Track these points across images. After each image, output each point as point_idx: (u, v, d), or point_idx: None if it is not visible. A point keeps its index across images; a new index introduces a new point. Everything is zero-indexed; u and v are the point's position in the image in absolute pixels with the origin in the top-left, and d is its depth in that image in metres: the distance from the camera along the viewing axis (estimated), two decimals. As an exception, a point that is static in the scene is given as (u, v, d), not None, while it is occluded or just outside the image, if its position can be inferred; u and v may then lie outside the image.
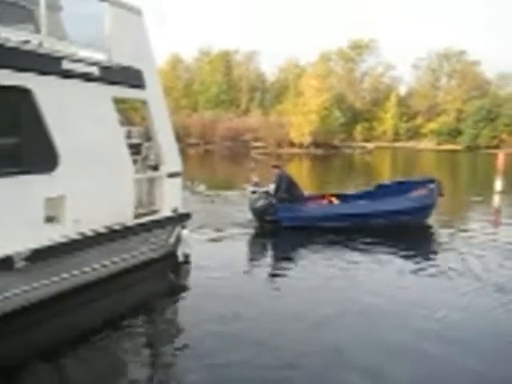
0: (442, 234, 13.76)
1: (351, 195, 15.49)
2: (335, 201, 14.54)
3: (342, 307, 7.86)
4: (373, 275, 9.71)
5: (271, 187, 13.99)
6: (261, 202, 13.46)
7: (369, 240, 12.22)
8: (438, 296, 8.54)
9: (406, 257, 11.05)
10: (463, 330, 7.05)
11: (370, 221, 13.67)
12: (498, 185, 21.58)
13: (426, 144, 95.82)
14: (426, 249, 12.39)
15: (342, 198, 14.98)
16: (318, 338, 6.75)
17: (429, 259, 11.15)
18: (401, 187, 15.10)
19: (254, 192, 13.72)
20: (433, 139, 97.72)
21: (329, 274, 9.60)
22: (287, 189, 13.75)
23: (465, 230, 14.42)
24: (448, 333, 6.93)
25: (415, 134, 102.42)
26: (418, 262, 10.69)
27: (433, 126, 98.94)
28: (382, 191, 15.07)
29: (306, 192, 15.57)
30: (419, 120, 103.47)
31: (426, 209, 14.39)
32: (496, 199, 19.99)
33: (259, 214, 13.56)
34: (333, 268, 10.07)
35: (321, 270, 9.96)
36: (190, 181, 14.48)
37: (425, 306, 7.89)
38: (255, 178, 14.17)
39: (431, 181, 15.21)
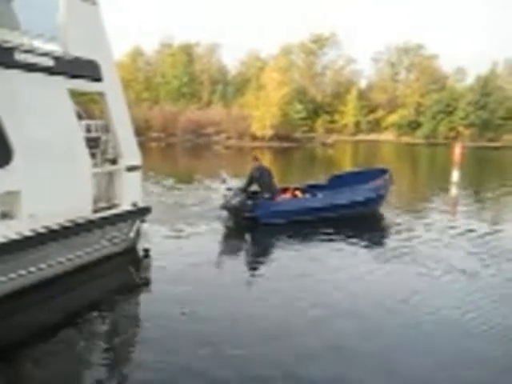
0: (404, 224, 14.13)
1: (311, 187, 15.54)
2: (299, 194, 14.55)
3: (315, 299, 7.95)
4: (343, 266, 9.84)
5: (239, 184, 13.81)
6: (237, 199, 13.02)
7: (334, 231, 12.59)
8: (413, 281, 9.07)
9: (372, 245, 11.42)
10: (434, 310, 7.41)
11: (339, 212, 13.95)
12: (455, 176, 22.08)
13: (387, 136, 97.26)
14: (392, 238, 12.61)
15: (303, 190, 15.06)
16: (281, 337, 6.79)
17: (396, 248, 11.43)
18: (355, 178, 15.65)
19: (229, 189, 13.36)
20: (393, 132, 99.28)
21: (296, 269, 9.66)
22: (269, 182, 13.66)
23: (424, 219, 14.91)
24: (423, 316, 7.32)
25: (376, 126, 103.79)
26: (388, 250, 11.23)
27: (393, 118, 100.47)
28: (337, 182, 15.53)
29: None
30: (379, 113, 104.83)
31: (382, 198, 15.04)
32: (453, 190, 20.45)
33: (236, 211, 13.17)
34: (301, 261, 10.26)
35: (285, 265, 10.03)
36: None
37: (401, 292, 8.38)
38: (224, 175, 13.86)
39: (383, 171, 15.77)
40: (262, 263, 10.42)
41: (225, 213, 13.53)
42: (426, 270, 9.54)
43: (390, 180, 15.23)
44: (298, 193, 14.63)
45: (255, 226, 13.02)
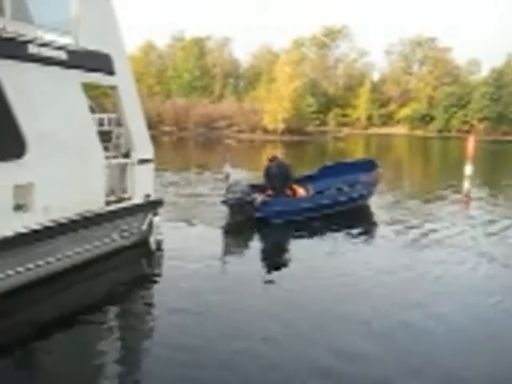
0: (420, 216, 14.25)
1: (302, 178, 15.37)
2: (298, 189, 14.05)
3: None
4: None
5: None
6: (244, 196, 12.29)
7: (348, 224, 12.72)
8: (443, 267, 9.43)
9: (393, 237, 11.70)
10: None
11: (343, 206, 13.96)
12: (468, 169, 21.89)
13: (399, 130, 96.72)
14: (409, 231, 12.61)
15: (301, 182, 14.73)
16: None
17: (423, 236, 11.84)
18: (344, 168, 15.91)
19: (229, 188, 12.52)
20: (406, 125, 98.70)
21: (310, 263, 9.67)
22: (291, 178, 13.54)
23: (438, 211, 14.91)
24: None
25: (388, 119, 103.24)
26: (415, 240, 11.57)
27: (405, 111, 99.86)
28: (327, 173, 15.65)
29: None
30: (392, 106, 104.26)
31: (375, 191, 15.44)
32: (466, 183, 20.29)
33: (243, 209, 12.33)
34: (314, 255, 10.33)
35: (298, 260, 10.06)
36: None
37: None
38: (228, 169, 13.04)
39: (372, 162, 15.96)
40: (276, 259, 10.45)
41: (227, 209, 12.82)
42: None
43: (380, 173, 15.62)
44: (295, 187, 14.06)
45: (262, 224, 12.49)
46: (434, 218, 14.14)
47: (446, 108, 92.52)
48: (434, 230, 12.38)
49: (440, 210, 15.47)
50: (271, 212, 12.57)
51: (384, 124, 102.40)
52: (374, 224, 13.68)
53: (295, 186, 14.14)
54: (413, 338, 6.44)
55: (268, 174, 13.38)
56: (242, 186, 12.68)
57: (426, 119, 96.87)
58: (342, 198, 14.01)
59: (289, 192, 13.62)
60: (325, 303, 7.57)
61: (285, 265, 9.90)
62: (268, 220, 12.49)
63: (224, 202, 12.42)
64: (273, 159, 13.65)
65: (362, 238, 11.82)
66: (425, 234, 11.96)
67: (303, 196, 13.83)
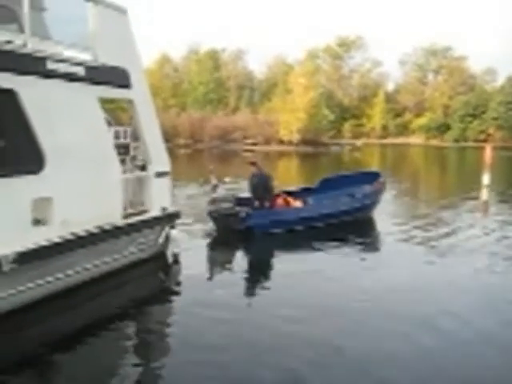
0: (441, 226, 14.14)
1: (302, 190, 15.22)
2: (291, 200, 13.81)
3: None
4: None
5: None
6: (227, 208, 12.22)
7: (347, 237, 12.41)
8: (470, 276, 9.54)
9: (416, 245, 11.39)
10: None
11: (339, 218, 13.60)
12: (486, 179, 21.69)
13: (415, 139, 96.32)
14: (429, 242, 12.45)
15: (295, 195, 14.46)
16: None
17: (440, 244, 11.86)
18: (345, 181, 15.53)
19: (214, 200, 12.31)
20: (421, 135, 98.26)
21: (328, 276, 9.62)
22: (271, 188, 12.89)
23: (457, 222, 14.77)
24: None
25: (404, 129, 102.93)
26: (437, 247, 11.59)
27: (421, 121, 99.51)
28: (328, 185, 15.30)
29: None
30: (407, 116, 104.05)
31: (377, 203, 14.93)
32: (484, 193, 20.11)
33: (225, 221, 12.22)
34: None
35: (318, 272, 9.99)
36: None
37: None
38: (214, 181, 12.86)
39: (375, 174, 15.59)
40: (287, 270, 10.39)
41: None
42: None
43: (384, 184, 15.13)
44: (289, 199, 13.90)
45: (250, 236, 12.26)
46: (451, 226, 14.01)
47: (461, 117, 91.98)
48: (451, 237, 12.32)
49: (457, 219, 15.34)
50: (255, 224, 12.30)
51: (399, 134, 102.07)
52: (369, 236, 13.41)
53: (290, 199, 13.88)
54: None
55: (250, 184, 12.98)
56: (227, 198, 12.61)
57: (441, 129, 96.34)
58: (334, 211, 13.53)
59: (267, 204, 12.97)
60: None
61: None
62: (252, 232, 12.27)
63: (209, 214, 12.39)
64: (253, 163, 13.27)
65: (361, 251, 11.69)
66: (441, 242, 11.88)
67: (289, 208, 13.48)
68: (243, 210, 12.39)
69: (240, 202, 12.90)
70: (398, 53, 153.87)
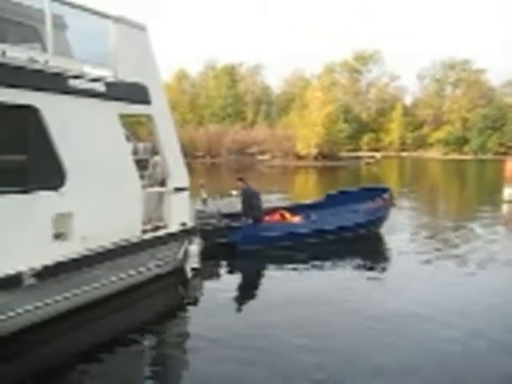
0: (465, 242, 13.93)
1: (304, 206, 15.01)
2: (288, 215, 13.75)
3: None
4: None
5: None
6: (213, 222, 12.20)
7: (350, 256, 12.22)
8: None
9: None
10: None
11: (331, 236, 13.23)
12: (507, 193, 21.43)
13: (433, 153, 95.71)
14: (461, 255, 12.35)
15: (294, 210, 14.40)
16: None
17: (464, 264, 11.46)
18: (351, 197, 15.08)
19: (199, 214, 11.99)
20: (439, 148, 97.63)
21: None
22: (249, 206, 12.67)
23: (478, 237, 14.60)
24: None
25: (422, 143, 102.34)
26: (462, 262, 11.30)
27: (439, 135, 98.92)
28: (333, 201, 14.98)
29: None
30: (425, 129, 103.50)
31: (382, 220, 14.40)
32: (505, 207, 19.87)
33: (208, 235, 11.82)
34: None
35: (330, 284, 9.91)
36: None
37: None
38: (204, 195, 12.97)
39: (382, 189, 15.09)
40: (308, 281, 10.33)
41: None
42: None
43: (390, 200, 14.49)
44: (287, 214, 13.84)
45: (233, 252, 12.12)
46: (472, 241, 13.85)
47: (481, 130, 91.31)
48: (472, 253, 12.16)
49: (478, 234, 15.12)
50: (236, 239, 12.16)
51: (417, 147, 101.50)
52: (374, 253, 13.00)
53: (287, 214, 13.75)
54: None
55: (250, 195, 12.81)
56: (213, 212, 12.58)
57: (460, 142, 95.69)
58: (329, 227, 13.17)
59: (250, 220, 12.75)
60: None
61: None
62: (237, 246, 12.11)
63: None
64: (240, 179, 13.08)
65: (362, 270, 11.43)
66: (461, 258, 11.70)
67: (274, 223, 13.26)
68: (224, 225, 12.35)
69: (228, 217, 12.88)
70: (415, 67, 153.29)
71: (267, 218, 13.54)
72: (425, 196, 27.85)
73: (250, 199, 12.67)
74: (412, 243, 13.82)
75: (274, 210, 14.16)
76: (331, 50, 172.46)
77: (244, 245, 12.12)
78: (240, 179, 13.08)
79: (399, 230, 15.51)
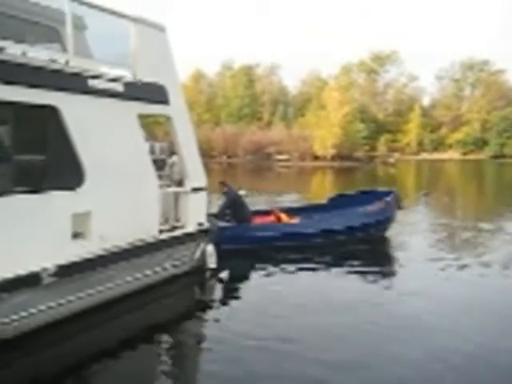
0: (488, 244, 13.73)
1: (302, 209, 14.78)
2: (283, 216, 13.47)
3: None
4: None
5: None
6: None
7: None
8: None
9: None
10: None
11: (318, 240, 12.77)
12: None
13: (451, 154, 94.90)
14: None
15: (293, 212, 14.16)
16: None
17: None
18: (357, 199, 14.54)
19: None
20: (458, 149, 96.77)
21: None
22: (234, 208, 12.53)
23: (497, 239, 14.40)
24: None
25: (439, 144, 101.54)
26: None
27: (457, 136, 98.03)
28: (337, 203, 14.53)
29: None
30: (443, 130, 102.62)
31: (383, 223, 13.77)
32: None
33: None
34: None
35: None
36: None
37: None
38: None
39: (389, 193, 14.43)
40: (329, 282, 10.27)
41: None
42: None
43: (394, 203, 13.89)
44: (283, 216, 13.51)
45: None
46: (493, 242, 13.68)
47: (500, 132, 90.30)
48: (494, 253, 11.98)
49: (497, 238, 14.92)
50: (221, 238, 11.63)
51: (435, 149, 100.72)
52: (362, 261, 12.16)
53: (283, 215, 13.53)
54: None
55: (223, 202, 12.66)
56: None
57: (478, 144, 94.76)
58: (315, 230, 12.73)
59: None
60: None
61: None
62: (219, 246, 11.51)
63: None
64: (222, 183, 12.93)
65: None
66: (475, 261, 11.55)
67: (257, 224, 13.00)
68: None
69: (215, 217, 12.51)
70: (434, 67, 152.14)
71: (260, 219, 13.40)
72: (443, 198, 27.60)
73: (234, 201, 12.57)
74: (429, 247, 13.64)
75: (268, 212, 13.99)
76: (348, 51, 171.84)
77: (226, 245, 11.61)
78: (222, 182, 12.98)
79: (413, 233, 15.40)
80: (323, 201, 15.44)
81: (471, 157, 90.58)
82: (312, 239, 12.69)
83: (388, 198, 13.70)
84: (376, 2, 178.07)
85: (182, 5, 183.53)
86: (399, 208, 14.14)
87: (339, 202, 14.59)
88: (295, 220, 13.44)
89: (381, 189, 16.53)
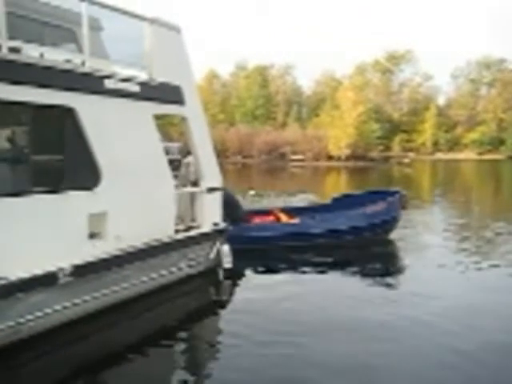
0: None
1: (304, 208, 14.64)
2: (283, 217, 13.40)
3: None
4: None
5: None
6: None
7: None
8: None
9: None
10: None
11: (317, 240, 12.62)
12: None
13: (467, 154, 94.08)
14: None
15: (295, 212, 14.07)
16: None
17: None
18: (361, 199, 14.22)
19: None
20: (474, 149, 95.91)
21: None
22: (227, 208, 11.78)
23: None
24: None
25: (455, 144, 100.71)
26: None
27: (473, 135, 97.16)
28: (340, 203, 14.30)
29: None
30: (459, 130, 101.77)
31: (388, 223, 13.47)
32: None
33: None
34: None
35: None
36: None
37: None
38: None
39: (394, 192, 14.08)
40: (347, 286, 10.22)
41: None
42: None
43: (399, 203, 13.50)
44: (281, 215, 13.44)
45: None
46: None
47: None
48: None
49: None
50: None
51: (451, 149, 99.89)
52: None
53: (282, 215, 13.45)
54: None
55: (230, 198, 12.47)
56: None
57: (495, 143, 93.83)
58: (314, 230, 12.59)
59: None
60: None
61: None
62: None
63: None
64: None
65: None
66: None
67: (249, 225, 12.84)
68: None
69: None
70: (449, 66, 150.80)
71: (259, 219, 13.28)
72: (459, 197, 27.37)
73: (226, 202, 12.08)
74: (446, 248, 13.50)
75: (268, 212, 13.91)
76: (362, 51, 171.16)
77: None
78: None
79: (429, 233, 15.32)
80: (326, 201, 15.31)
81: (487, 157, 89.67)
82: (313, 239, 12.58)
83: (391, 198, 13.43)
84: (390, 2, 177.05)
85: (190, 5, 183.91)
86: (403, 208, 13.84)
87: (343, 203, 14.41)
88: (296, 220, 13.31)
89: (384, 189, 16.40)
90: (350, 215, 13.24)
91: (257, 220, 13.32)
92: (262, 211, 14.27)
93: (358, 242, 12.92)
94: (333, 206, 14.48)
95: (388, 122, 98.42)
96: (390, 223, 13.51)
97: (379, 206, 13.24)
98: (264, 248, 12.05)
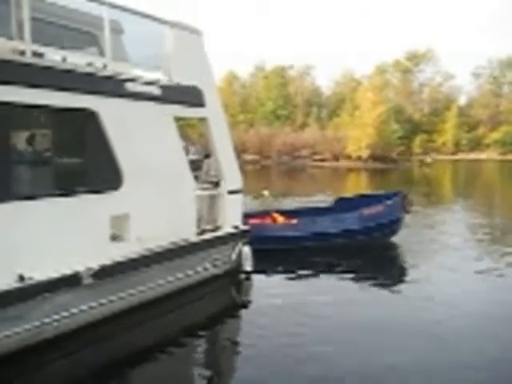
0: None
1: (302, 211, 14.40)
2: (279, 218, 13.33)
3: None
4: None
5: None
6: None
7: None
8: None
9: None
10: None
11: (304, 243, 12.48)
12: None
13: (489, 154, 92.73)
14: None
15: (292, 214, 13.85)
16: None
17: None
18: (363, 201, 13.79)
19: None
20: (496, 149, 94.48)
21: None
22: None
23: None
24: None
25: (477, 144, 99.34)
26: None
27: (496, 135, 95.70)
28: (343, 205, 14.02)
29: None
30: (481, 130, 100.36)
31: (386, 227, 13.05)
32: None
33: None
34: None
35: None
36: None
37: None
38: None
39: (393, 195, 13.62)
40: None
41: None
42: None
43: (400, 205, 13.09)
44: (277, 216, 13.38)
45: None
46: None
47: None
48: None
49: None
50: None
51: (472, 149, 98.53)
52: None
53: (278, 217, 13.34)
54: None
55: None
56: None
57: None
58: (305, 233, 12.51)
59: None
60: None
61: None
62: None
63: None
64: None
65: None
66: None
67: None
68: None
69: None
70: (471, 65, 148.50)
71: (254, 220, 13.11)
72: (480, 199, 27.05)
73: None
74: (467, 249, 13.39)
75: (264, 214, 13.82)
76: (382, 51, 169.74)
77: None
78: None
79: (450, 235, 15.18)
80: (326, 204, 15.16)
81: (510, 157, 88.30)
82: (306, 242, 12.44)
83: (389, 201, 13.00)
84: (411, 1, 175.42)
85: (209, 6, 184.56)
86: (406, 212, 13.31)
87: (341, 205, 14.15)
88: (293, 222, 13.16)
89: (383, 191, 16.19)
90: (343, 218, 13.06)
91: (254, 222, 12.93)
92: (260, 213, 14.10)
93: (349, 245, 12.63)
94: (331, 208, 14.29)
95: (408, 123, 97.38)
96: (390, 226, 13.08)
97: (375, 209, 12.88)
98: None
